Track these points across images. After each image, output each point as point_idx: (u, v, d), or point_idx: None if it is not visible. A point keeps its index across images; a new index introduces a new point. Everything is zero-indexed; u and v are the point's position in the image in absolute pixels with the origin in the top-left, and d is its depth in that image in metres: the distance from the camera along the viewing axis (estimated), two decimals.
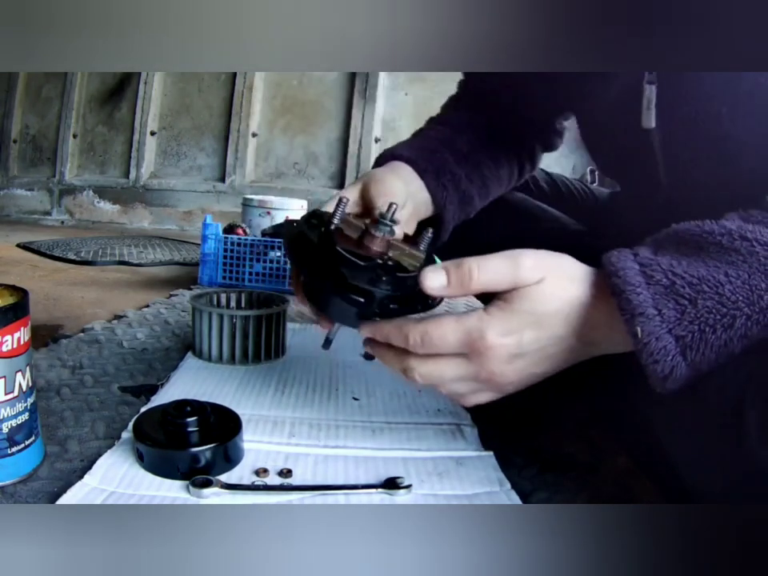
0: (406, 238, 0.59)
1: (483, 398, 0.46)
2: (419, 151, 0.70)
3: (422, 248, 0.52)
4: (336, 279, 0.48)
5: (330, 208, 0.56)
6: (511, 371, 0.43)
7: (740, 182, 0.43)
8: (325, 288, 0.50)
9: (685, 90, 0.53)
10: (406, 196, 0.62)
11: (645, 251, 0.41)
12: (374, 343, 0.49)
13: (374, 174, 0.63)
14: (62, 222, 2.94)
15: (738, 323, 0.37)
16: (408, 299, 0.49)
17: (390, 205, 0.51)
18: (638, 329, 0.38)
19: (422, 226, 0.65)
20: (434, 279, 0.44)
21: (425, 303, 0.50)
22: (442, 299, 0.51)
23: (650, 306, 0.38)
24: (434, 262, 0.53)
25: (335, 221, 0.51)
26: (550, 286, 0.42)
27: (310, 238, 0.51)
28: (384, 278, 0.48)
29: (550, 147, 0.83)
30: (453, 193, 0.69)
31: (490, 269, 0.43)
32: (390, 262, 0.50)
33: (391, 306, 0.49)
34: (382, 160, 0.71)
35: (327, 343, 0.56)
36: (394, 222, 0.50)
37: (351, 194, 0.60)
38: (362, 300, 0.48)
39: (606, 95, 0.62)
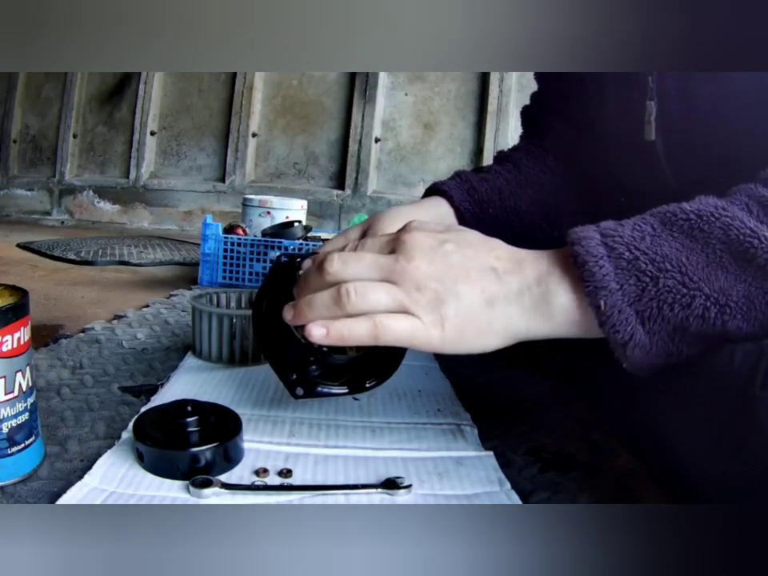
0: None
1: (401, 323, 0.42)
2: (471, 201, 0.69)
3: None
4: (268, 349, 0.54)
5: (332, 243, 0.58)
6: (427, 265, 0.43)
7: (746, 173, 0.43)
8: (263, 351, 0.55)
9: (681, 101, 0.54)
10: None
11: (607, 223, 0.43)
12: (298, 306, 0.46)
13: (383, 216, 0.62)
14: (62, 222, 2.94)
15: (697, 303, 0.39)
16: (338, 383, 0.53)
17: None
18: (602, 302, 0.40)
19: None
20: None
21: (357, 387, 0.54)
22: (376, 385, 0.55)
23: (612, 279, 0.40)
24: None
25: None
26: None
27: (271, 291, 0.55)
28: (312, 361, 0.52)
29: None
30: None
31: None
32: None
33: (318, 388, 0.52)
34: (430, 192, 0.71)
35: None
36: None
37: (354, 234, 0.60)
38: (287, 376, 0.52)
39: (618, 113, 0.63)
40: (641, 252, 0.40)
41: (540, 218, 0.73)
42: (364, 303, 0.42)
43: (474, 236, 0.46)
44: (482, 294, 0.42)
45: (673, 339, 0.40)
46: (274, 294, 0.54)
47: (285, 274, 0.53)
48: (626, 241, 0.41)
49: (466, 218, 0.68)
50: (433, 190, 0.72)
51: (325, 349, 0.52)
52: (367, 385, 0.54)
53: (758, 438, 0.35)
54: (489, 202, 0.70)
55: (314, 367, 0.52)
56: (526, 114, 0.84)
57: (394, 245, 0.45)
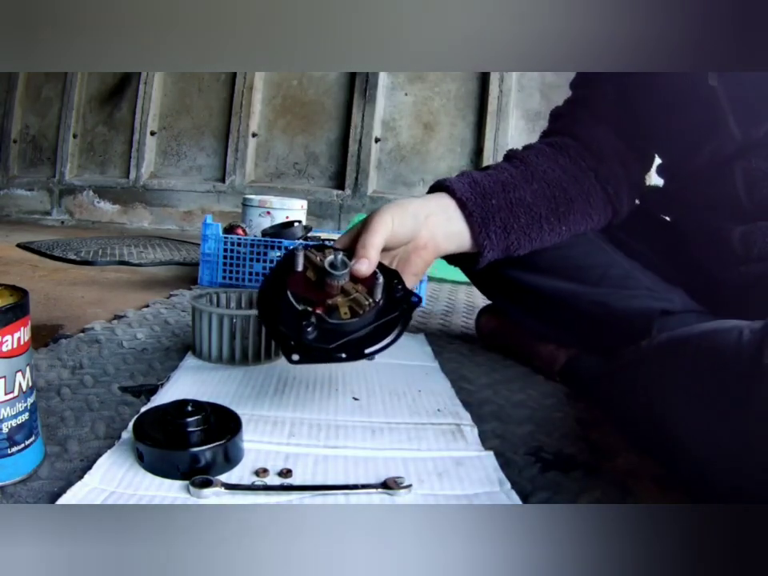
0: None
1: None
2: (473, 192, 0.70)
3: (377, 297, 0.56)
4: (268, 319, 0.57)
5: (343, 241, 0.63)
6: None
7: None
8: (264, 322, 0.59)
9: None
10: (408, 232, 0.66)
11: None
12: None
13: (399, 217, 0.65)
14: (62, 222, 2.94)
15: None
16: (334, 345, 0.54)
17: (336, 254, 0.57)
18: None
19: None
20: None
21: (354, 354, 0.55)
22: (375, 352, 0.56)
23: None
24: (392, 307, 0.58)
25: (299, 268, 0.58)
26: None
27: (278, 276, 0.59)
28: (307, 325, 0.53)
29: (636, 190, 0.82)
30: (497, 242, 0.71)
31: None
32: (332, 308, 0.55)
33: (314, 351, 0.54)
34: (434, 189, 0.73)
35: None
36: (345, 265, 0.56)
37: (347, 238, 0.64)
38: (286, 340, 0.54)
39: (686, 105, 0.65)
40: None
41: (547, 210, 0.73)
42: None
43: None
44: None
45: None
46: (278, 275, 0.59)
47: (289, 260, 0.60)
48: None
49: (468, 208, 0.69)
50: (435, 187, 0.72)
51: (320, 312, 0.54)
52: (366, 351, 0.55)
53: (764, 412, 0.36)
54: (491, 193, 0.70)
55: (309, 329, 0.53)
56: (556, 111, 0.85)
57: None
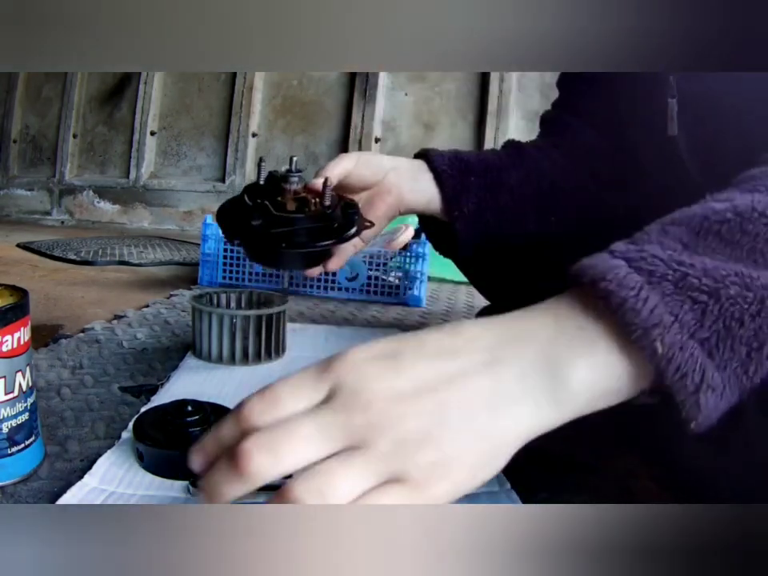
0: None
1: (388, 495, 0.31)
2: (451, 167, 0.70)
3: (325, 202, 0.60)
4: (221, 217, 0.62)
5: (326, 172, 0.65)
6: (398, 407, 0.29)
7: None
8: (218, 222, 0.63)
9: (700, 96, 0.55)
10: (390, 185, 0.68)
11: (619, 245, 0.33)
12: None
13: (365, 158, 0.68)
14: (62, 222, 2.94)
15: None
16: (274, 236, 0.58)
17: (291, 158, 0.62)
18: (658, 344, 0.30)
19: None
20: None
21: (293, 245, 0.59)
22: (313, 255, 0.62)
23: (664, 311, 0.30)
24: (343, 222, 0.62)
25: (261, 181, 0.63)
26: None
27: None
28: (256, 212, 0.58)
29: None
30: (470, 215, 0.70)
31: None
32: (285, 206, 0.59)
33: (257, 237, 0.58)
34: (418, 156, 0.74)
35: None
36: (300, 171, 0.62)
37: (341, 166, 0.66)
38: (231, 228, 0.60)
39: (639, 112, 0.64)
40: (686, 266, 0.31)
41: (531, 199, 0.73)
42: (336, 500, 0.31)
43: (430, 335, 0.33)
44: (482, 406, 0.30)
45: (747, 368, 0.31)
46: (243, 191, 0.64)
47: (253, 185, 0.64)
48: (662, 258, 0.31)
49: (443, 181, 0.70)
50: (419, 154, 0.74)
51: (266, 203, 0.59)
52: (308, 246, 0.60)
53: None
54: (472, 171, 0.71)
55: (255, 215, 0.58)
56: (544, 116, 0.85)
57: (329, 385, 0.31)
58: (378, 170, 0.68)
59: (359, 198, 0.69)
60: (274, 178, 0.62)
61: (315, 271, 0.67)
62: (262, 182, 0.62)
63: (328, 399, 0.30)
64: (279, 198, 0.59)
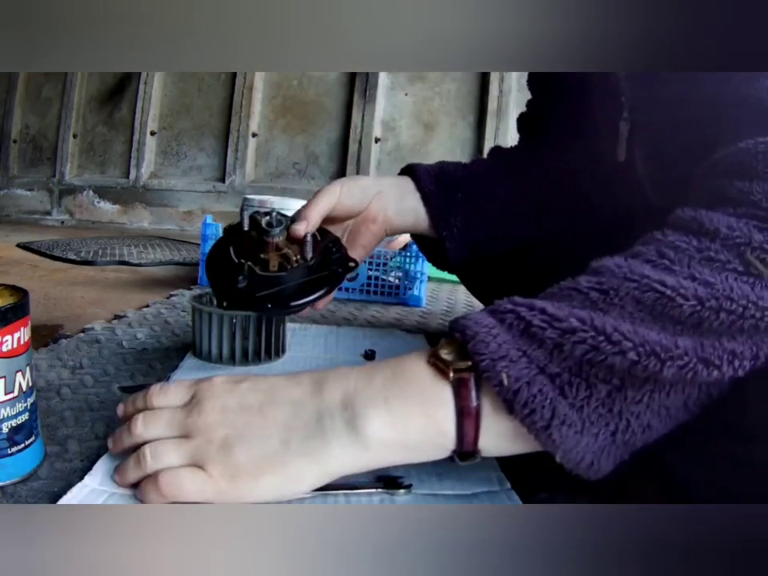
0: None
1: (186, 479, 0.39)
2: (437, 184, 0.70)
3: (306, 255, 0.61)
4: (209, 270, 0.62)
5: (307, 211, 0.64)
6: (218, 412, 0.41)
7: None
8: (207, 276, 0.63)
9: (648, 119, 0.54)
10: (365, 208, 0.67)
11: (496, 303, 0.36)
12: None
13: (348, 187, 0.66)
14: (62, 222, 2.94)
15: (627, 349, 0.31)
16: (261, 294, 0.58)
17: (271, 213, 0.62)
18: (503, 375, 0.32)
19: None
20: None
21: (281, 304, 0.59)
22: (301, 306, 0.60)
23: (512, 347, 0.32)
24: (326, 268, 0.62)
25: (245, 228, 0.63)
26: None
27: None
28: (240, 276, 0.58)
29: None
30: (458, 233, 0.70)
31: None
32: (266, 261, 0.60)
33: (243, 299, 0.58)
34: (403, 172, 0.72)
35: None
36: (280, 223, 0.61)
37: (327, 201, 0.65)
38: (220, 288, 0.60)
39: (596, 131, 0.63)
40: (539, 311, 0.33)
41: (520, 207, 0.72)
42: (158, 463, 0.40)
43: (277, 377, 0.43)
44: (277, 433, 0.39)
45: (611, 408, 0.32)
46: (227, 236, 0.65)
47: (237, 227, 0.65)
48: (516, 308, 0.34)
49: (430, 200, 0.69)
50: (405, 170, 0.73)
51: (250, 263, 0.60)
52: (291, 304, 0.60)
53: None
54: (459, 187, 0.70)
55: (240, 278, 0.58)
56: (521, 119, 0.84)
57: (192, 393, 0.44)
58: (362, 197, 0.67)
59: (345, 226, 0.69)
60: (257, 223, 0.62)
61: (304, 313, 0.67)
62: (245, 228, 0.63)
63: (188, 403, 0.43)
64: (262, 255, 0.60)
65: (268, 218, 0.62)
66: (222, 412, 0.41)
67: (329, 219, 0.66)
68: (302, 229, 0.61)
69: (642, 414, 0.32)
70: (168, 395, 0.45)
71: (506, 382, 0.32)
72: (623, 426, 0.32)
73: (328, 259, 0.63)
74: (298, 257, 0.61)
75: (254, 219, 0.63)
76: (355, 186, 0.67)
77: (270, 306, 0.58)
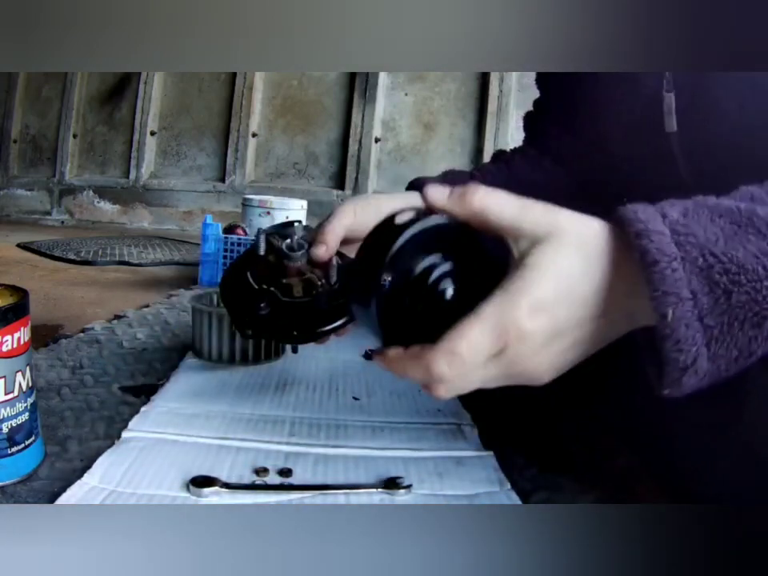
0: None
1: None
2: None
3: (331, 280, 0.58)
4: (226, 297, 0.59)
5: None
6: (546, 358, 0.36)
7: (754, 167, 0.42)
8: (223, 301, 0.60)
9: (698, 94, 0.54)
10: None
11: (673, 212, 0.36)
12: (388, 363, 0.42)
13: (362, 206, 0.64)
14: (62, 222, 2.94)
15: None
16: (286, 323, 0.56)
17: (294, 238, 0.59)
18: (670, 311, 0.33)
19: None
20: (436, 192, 0.41)
21: (307, 333, 0.56)
22: (327, 333, 0.56)
23: (684, 287, 0.33)
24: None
25: (261, 252, 0.60)
26: (567, 243, 0.38)
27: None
28: (261, 302, 0.56)
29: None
30: None
31: (495, 195, 0.39)
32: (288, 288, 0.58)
33: (267, 327, 0.56)
34: (412, 186, 0.72)
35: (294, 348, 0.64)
36: (301, 247, 0.58)
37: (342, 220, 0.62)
38: (241, 317, 0.57)
39: (631, 107, 0.63)
40: (716, 259, 0.34)
41: None
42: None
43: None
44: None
45: (729, 368, 0.34)
46: (242, 260, 0.62)
47: (254, 245, 0.61)
48: (700, 242, 0.34)
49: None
50: (413, 185, 0.73)
51: (272, 289, 0.57)
52: (317, 330, 0.57)
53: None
54: None
55: (262, 305, 0.55)
56: (527, 119, 0.84)
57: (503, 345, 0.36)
58: (377, 216, 0.66)
59: (357, 246, 0.68)
60: (273, 247, 0.59)
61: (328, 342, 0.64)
62: (262, 252, 0.60)
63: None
64: (284, 280, 0.58)
65: (289, 241, 0.59)
66: (548, 358, 0.37)
67: (346, 240, 0.65)
68: (321, 252, 0.58)
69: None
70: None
71: (669, 318, 0.33)
72: (723, 378, 0.35)
73: None
74: (323, 281, 0.58)
75: (270, 243, 0.60)
76: (369, 206, 0.65)
77: (295, 333, 0.56)
